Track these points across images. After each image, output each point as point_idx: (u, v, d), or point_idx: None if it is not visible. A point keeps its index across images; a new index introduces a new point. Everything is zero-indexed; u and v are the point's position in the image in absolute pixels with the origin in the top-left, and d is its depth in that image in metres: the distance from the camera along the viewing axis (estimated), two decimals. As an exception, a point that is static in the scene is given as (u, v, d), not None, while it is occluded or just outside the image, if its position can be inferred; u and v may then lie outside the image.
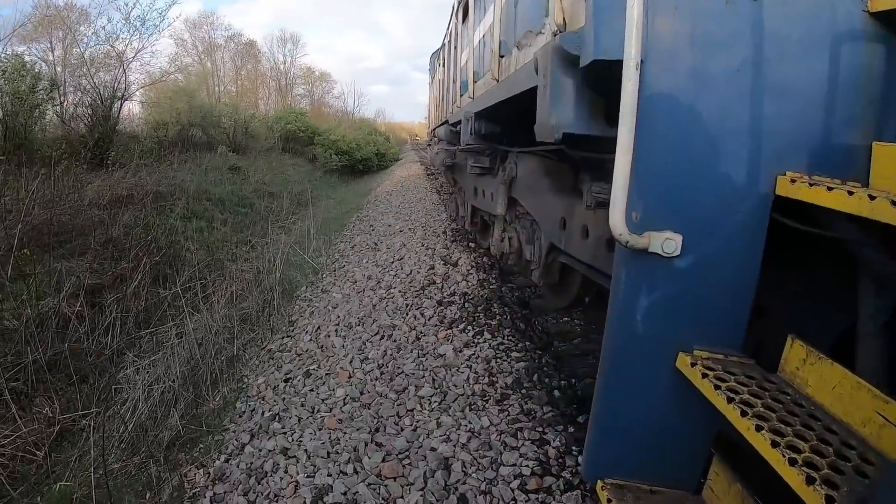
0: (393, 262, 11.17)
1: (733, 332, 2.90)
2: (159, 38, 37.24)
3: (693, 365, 2.77)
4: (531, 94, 3.81)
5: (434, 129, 18.61)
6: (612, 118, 3.01)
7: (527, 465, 4.54)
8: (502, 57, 5.88)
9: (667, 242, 2.76)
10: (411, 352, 6.81)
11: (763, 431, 2.20)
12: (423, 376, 6.16)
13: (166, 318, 9.70)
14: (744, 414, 2.33)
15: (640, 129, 2.63)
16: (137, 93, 29.02)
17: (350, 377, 6.39)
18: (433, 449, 4.84)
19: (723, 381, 2.59)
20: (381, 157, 50.55)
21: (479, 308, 8.04)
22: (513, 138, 7.38)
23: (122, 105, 24.37)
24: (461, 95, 9.93)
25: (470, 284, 9.14)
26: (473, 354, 6.60)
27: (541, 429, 5.05)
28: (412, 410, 5.52)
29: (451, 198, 14.34)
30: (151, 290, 10.73)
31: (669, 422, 3.05)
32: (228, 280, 11.79)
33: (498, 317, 7.74)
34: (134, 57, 26.59)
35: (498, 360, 6.46)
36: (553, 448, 4.76)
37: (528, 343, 6.99)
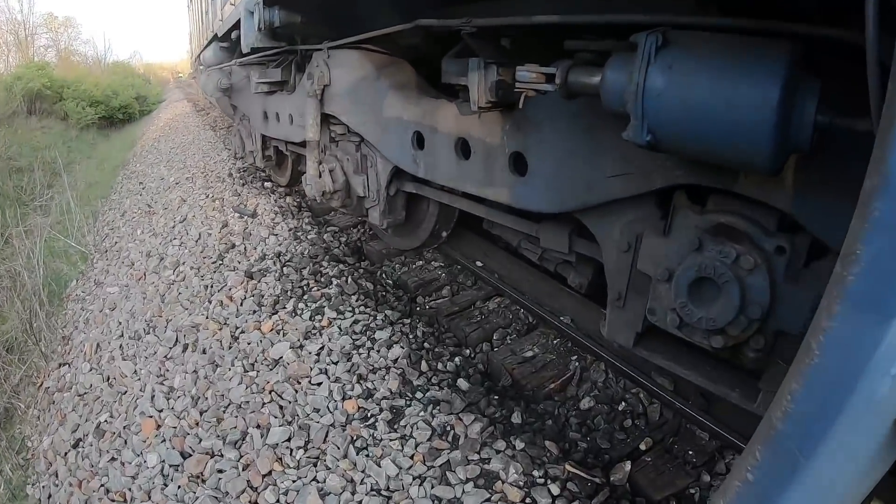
0: (175, 227, 8.72)
1: None
2: None
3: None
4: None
5: (200, 55, 15.97)
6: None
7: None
8: None
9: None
10: (233, 364, 4.71)
11: None
12: (263, 405, 4.17)
13: None
14: None
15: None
16: None
17: (159, 427, 4.32)
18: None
19: None
20: (142, 101, 45.96)
21: (305, 272, 6.03)
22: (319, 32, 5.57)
23: None
24: None
25: (281, 239, 7.01)
26: (323, 349, 4.67)
27: (492, 464, 3.47)
28: (270, 475, 3.59)
29: (232, 130, 11.80)
30: None
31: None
32: None
33: (335, 280, 5.79)
34: None
35: (360, 349, 4.62)
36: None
37: (388, 311, 5.21)
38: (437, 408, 3.90)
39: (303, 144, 6.71)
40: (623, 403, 4.03)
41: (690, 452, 3.54)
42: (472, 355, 4.69)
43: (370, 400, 4.00)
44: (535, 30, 3.03)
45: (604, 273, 3.42)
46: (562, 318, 4.76)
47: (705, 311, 2.47)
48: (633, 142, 2.19)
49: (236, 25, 7.32)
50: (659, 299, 2.77)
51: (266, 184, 9.93)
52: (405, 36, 4.10)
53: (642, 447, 3.63)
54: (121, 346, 5.77)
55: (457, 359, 4.55)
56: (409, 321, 5.03)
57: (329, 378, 4.25)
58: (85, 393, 5.38)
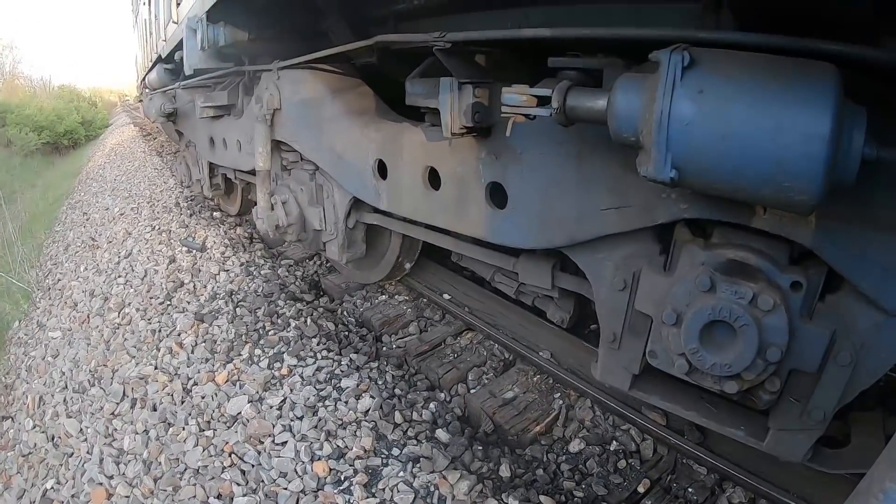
0: (119, 263, 8.13)
1: None
2: None
3: None
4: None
5: (145, 77, 15.55)
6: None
7: None
8: None
9: None
10: (187, 423, 4.23)
11: None
12: (224, 469, 3.72)
13: None
14: None
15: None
16: None
17: (110, 497, 3.83)
18: None
19: None
20: (88, 125, 45.08)
21: (260, 312, 5.57)
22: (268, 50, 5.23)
23: None
24: (178, 6, 7.33)
25: (233, 275, 6.56)
26: (285, 402, 4.22)
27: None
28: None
29: (178, 157, 11.32)
30: None
31: None
32: None
33: (293, 321, 5.35)
34: None
35: (326, 401, 4.19)
36: None
37: (353, 355, 4.80)
38: (418, 465, 3.52)
39: (252, 172, 6.30)
40: (614, 442, 3.76)
41: (690, 490, 3.35)
42: (448, 399, 4.35)
43: (342, 460, 3.60)
44: (512, 46, 2.71)
45: (585, 306, 3.14)
46: (541, 354, 4.45)
47: (719, 357, 2.21)
48: (650, 178, 1.85)
49: (179, 45, 6.92)
50: (663, 342, 2.51)
51: (215, 213, 9.48)
52: (361, 54, 3.75)
53: (640, 489, 3.42)
54: (64, 399, 5.25)
55: (432, 405, 4.19)
56: (376, 365, 4.65)
57: (294, 436, 3.84)
58: (29, 453, 4.90)
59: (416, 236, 4.49)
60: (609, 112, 1.96)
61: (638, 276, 2.62)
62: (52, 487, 4.24)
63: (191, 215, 9.51)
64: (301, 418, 3.97)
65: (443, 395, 4.38)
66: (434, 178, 3.52)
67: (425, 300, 5.60)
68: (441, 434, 3.82)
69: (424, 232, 4.36)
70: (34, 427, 5.16)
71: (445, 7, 3.85)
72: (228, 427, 4.04)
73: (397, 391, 4.30)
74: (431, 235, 4.29)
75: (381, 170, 4.00)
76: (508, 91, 2.27)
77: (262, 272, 6.57)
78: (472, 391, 4.33)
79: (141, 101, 27.19)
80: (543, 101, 2.20)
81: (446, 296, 5.46)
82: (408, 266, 5.54)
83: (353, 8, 4.45)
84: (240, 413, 4.14)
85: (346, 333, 5.20)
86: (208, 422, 4.16)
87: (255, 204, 6.16)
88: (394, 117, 4.03)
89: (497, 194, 3.14)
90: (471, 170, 3.17)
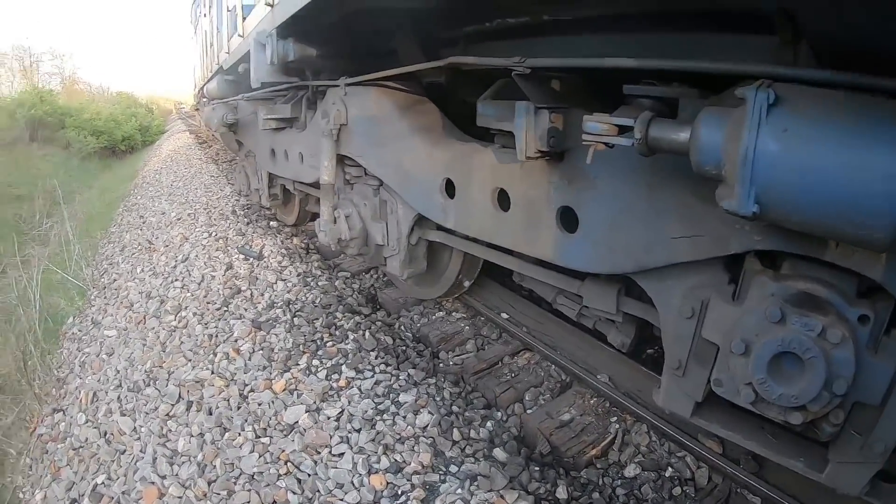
0: (176, 267, 8.35)
1: None
2: None
3: None
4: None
5: (203, 87, 15.89)
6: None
7: None
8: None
9: None
10: (243, 429, 4.33)
11: None
12: (279, 477, 3.80)
13: None
14: None
15: None
16: None
17: (162, 497, 3.92)
18: None
19: None
20: (144, 131, 46.40)
21: (318, 323, 5.68)
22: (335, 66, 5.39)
23: None
24: (244, 20, 7.49)
25: (290, 285, 6.71)
26: (342, 414, 4.31)
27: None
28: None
29: (237, 167, 11.55)
30: None
31: None
32: None
33: (351, 334, 5.44)
34: None
35: (384, 415, 4.27)
36: None
37: (410, 370, 4.87)
38: (476, 483, 3.57)
39: (314, 185, 6.44)
40: (670, 469, 3.77)
41: (744, 519, 3.34)
42: (505, 418, 4.38)
43: (400, 475, 3.66)
44: (588, 72, 2.79)
45: (646, 331, 3.16)
46: (599, 377, 4.48)
47: (786, 388, 2.24)
48: (732, 211, 1.91)
49: (244, 58, 7.11)
50: (729, 371, 2.53)
51: (272, 223, 9.67)
52: (429, 73, 3.86)
53: (694, 517, 3.41)
54: (119, 397, 5.41)
55: (489, 423, 4.24)
56: (433, 381, 4.71)
57: (352, 448, 3.92)
58: (80, 447, 5.02)
59: (480, 255, 4.55)
60: (692, 145, 2.03)
61: (706, 305, 2.65)
62: (102, 483, 4.35)
63: (247, 223, 9.71)
64: (359, 430, 4.05)
65: (499, 413, 4.41)
66: (503, 200, 3.58)
67: (483, 318, 5.65)
68: (498, 453, 3.87)
69: (488, 251, 4.41)
70: (87, 422, 5.31)
71: (516, 31, 3.94)
72: (285, 435, 4.14)
73: (454, 408, 4.36)
74: (495, 255, 4.35)
75: (449, 189, 4.07)
76: (590, 119, 2.33)
77: (319, 283, 6.69)
78: (529, 411, 4.37)
79: (198, 109, 27.75)
80: (624, 130, 2.26)
81: (504, 315, 5.50)
82: (467, 284, 5.60)
83: (425, 29, 4.56)
84: (297, 422, 4.23)
85: (404, 348, 5.27)
86: (265, 429, 4.25)
87: (312, 215, 6.29)
88: (462, 137, 4.11)
89: (567, 218, 3.20)
90: (542, 193, 3.23)
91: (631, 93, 2.49)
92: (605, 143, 2.33)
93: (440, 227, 4.70)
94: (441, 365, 5.07)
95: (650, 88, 2.46)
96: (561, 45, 3.63)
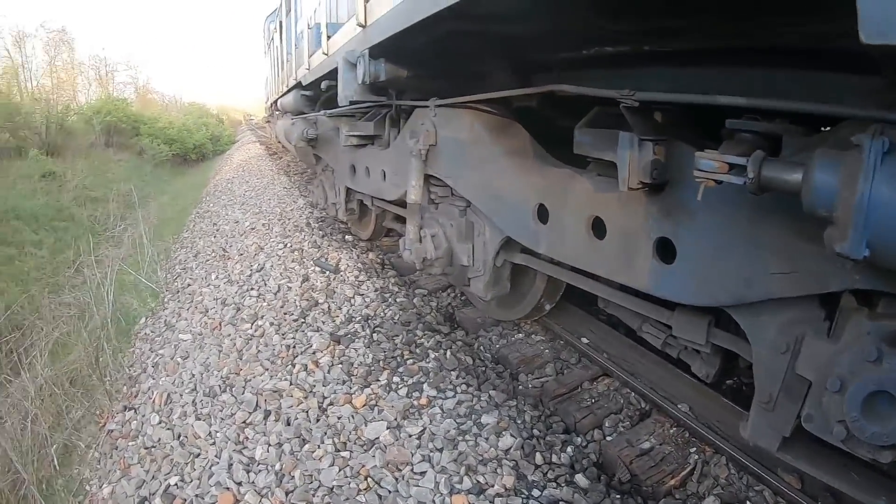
0: (251, 276, 8.62)
1: None
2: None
3: None
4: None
5: (277, 101, 16.30)
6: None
7: None
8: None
9: None
10: (322, 442, 4.46)
11: None
12: (359, 492, 3.90)
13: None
14: None
15: None
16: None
17: (237, 503, 4.07)
18: None
19: None
20: (215, 141, 48.23)
21: (398, 340, 5.81)
22: (420, 86, 5.57)
23: None
24: (328, 39, 7.59)
25: (368, 300, 6.85)
26: (424, 432, 4.40)
27: None
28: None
29: (314, 180, 11.80)
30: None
31: None
32: (49, 323, 10.04)
33: (432, 352, 5.55)
34: None
35: (466, 436, 4.33)
36: None
37: (491, 391, 4.94)
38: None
39: (396, 202, 6.58)
40: (748, 502, 3.75)
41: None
42: (585, 444, 4.42)
43: (482, 496, 3.72)
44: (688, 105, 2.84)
45: (731, 363, 3.17)
46: (679, 406, 4.49)
47: (879, 427, 2.27)
48: (843, 254, 1.96)
49: (328, 75, 7.29)
50: (821, 408, 2.55)
51: (347, 236, 9.86)
52: (521, 97, 3.95)
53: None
54: (193, 401, 5.62)
55: (569, 448, 4.28)
56: (514, 403, 4.77)
57: (434, 467, 4.00)
58: (152, 447, 5.21)
59: (567, 280, 4.59)
60: (805, 187, 2.08)
61: (801, 341, 2.67)
62: (175, 484, 4.51)
63: (322, 236, 9.93)
64: (441, 450, 4.13)
65: (579, 439, 4.45)
66: (598, 228, 3.63)
67: (562, 342, 5.68)
68: (580, 479, 3.91)
69: (576, 276, 4.45)
70: (160, 423, 5.50)
71: (614, 60, 4.01)
72: (365, 450, 4.25)
73: (535, 431, 4.40)
74: (583, 281, 4.38)
75: (542, 214, 4.12)
76: (702, 156, 2.39)
77: (397, 300, 6.82)
78: (609, 438, 4.41)
79: (268, 121, 28.38)
80: (733, 167, 2.33)
81: (584, 339, 5.54)
82: (548, 307, 5.65)
83: (521, 54, 4.65)
84: (377, 438, 4.34)
85: (483, 369, 5.33)
86: (344, 443, 4.38)
87: (387, 230, 6.38)
88: (554, 162, 4.16)
89: (664, 249, 3.25)
90: (639, 223, 3.29)
91: (735, 128, 2.55)
92: (716, 181, 2.39)
93: (525, 250, 4.77)
94: (520, 387, 5.11)
95: (754, 124, 2.51)
96: (660, 75, 3.69)
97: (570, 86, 3.31)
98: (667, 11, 2.92)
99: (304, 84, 10.03)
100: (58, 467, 5.85)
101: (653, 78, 3.73)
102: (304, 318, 6.57)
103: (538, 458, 4.06)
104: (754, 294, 2.82)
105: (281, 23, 14.82)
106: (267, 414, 4.95)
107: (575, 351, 5.51)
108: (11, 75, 42.37)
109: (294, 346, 5.94)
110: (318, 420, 4.71)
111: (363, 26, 5.31)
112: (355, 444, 4.37)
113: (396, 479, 3.94)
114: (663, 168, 2.97)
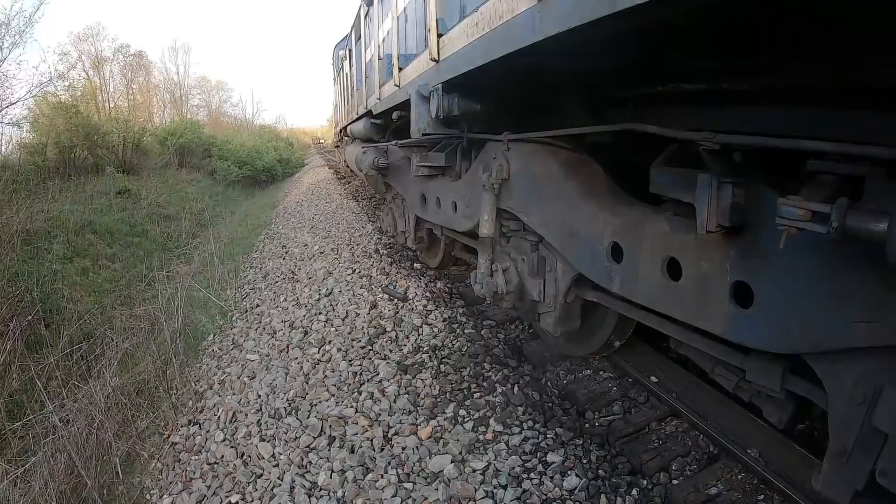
0: (320, 300, 8.74)
1: None
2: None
3: None
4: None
5: (346, 127, 16.64)
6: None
7: None
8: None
9: None
10: (386, 472, 4.50)
11: None
12: None
13: (44, 397, 8.14)
14: None
15: None
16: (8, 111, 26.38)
17: None
18: None
19: None
20: (285, 164, 49.12)
21: (465, 373, 5.82)
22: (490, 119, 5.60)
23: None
24: (400, 71, 7.67)
25: (436, 331, 6.89)
26: (489, 468, 4.38)
27: None
28: None
29: (384, 208, 11.94)
30: (22, 362, 9.29)
31: None
32: (119, 334, 10.25)
33: (499, 386, 5.53)
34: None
35: (531, 473, 4.31)
36: None
37: (558, 429, 4.89)
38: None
39: (466, 234, 6.62)
40: None
41: None
42: (650, 487, 4.33)
43: (548, 540, 3.68)
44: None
45: (803, 410, 3.10)
46: (749, 451, 4.38)
47: None
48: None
49: (399, 106, 7.42)
50: None
51: (415, 264, 9.93)
52: (597, 133, 3.96)
53: None
54: (259, 422, 5.72)
55: (634, 490, 4.21)
56: (580, 442, 4.72)
57: (496, 505, 3.99)
58: (215, 463, 5.34)
59: (639, 319, 4.52)
60: (890, 238, 2.06)
61: (879, 392, 2.61)
62: (236, 502, 4.62)
63: (391, 263, 10.02)
64: (505, 487, 4.12)
65: (644, 481, 4.37)
66: (674, 269, 3.58)
67: (630, 380, 5.61)
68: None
69: (648, 316, 4.38)
70: (224, 440, 5.62)
71: (691, 97, 3.99)
72: (429, 483, 4.28)
73: (601, 472, 4.35)
74: (655, 321, 4.32)
75: (616, 253, 4.08)
76: (785, 203, 2.35)
77: (465, 331, 6.83)
78: (675, 482, 4.32)
79: (337, 146, 28.87)
80: (820, 217, 2.30)
81: (653, 378, 5.47)
82: (617, 344, 5.59)
83: (595, 89, 4.68)
84: (442, 471, 4.36)
85: (550, 405, 5.28)
86: (408, 474, 4.42)
87: (455, 259, 6.40)
88: (630, 201, 4.13)
89: (741, 293, 3.19)
90: (716, 266, 3.23)
91: (815, 169, 2.53)
92: (799, 229, 2.36)
93: (596, 287, 4.73)
94: (587, 425, 5.06)
95: (837, 166, 2.48)
96: (737, 113, 3.67)
97: (652, 126, 3.31)
98: (759, 49, 2.92)
99: (374, 113, 10.21)
100: (120, 474, 5.94)
101: (730, 116, 3.70)
102: (372, 346, 6.64)
103: (602, 501, 4.01)
104: (834, 343, 2.75)
105: (350, 50, 15.15)
106: (331, 440, 5.02)
107: (643, 389, 5.43)
108: (90, 96, 44.05)
109: (361, 374, 6.01)
110: (382, 449, 4.76)
111: (436, 61, 5.37)
112: (419, 475, 4.40)
113: (460, 514, 3.94)
114: (743, 211, 2.94)
